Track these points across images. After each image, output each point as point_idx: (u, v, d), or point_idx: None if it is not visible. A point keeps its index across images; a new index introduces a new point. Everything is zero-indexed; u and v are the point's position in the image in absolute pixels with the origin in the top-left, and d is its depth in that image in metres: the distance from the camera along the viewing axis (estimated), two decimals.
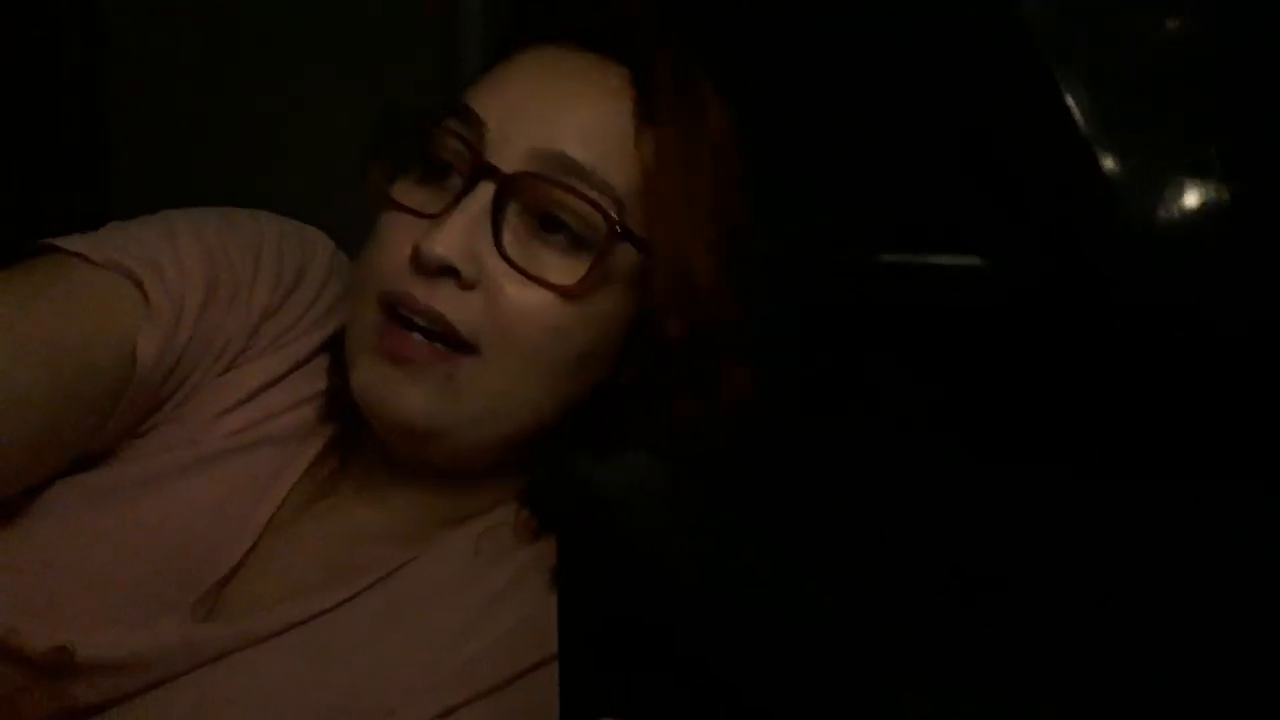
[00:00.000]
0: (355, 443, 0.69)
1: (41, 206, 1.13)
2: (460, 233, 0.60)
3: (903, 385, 0.41)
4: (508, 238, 0.61)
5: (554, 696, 0.56)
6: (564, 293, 0.61)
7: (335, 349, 0.69)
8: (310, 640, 0.61)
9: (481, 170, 0.61)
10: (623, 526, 0.37)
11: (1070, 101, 0.33)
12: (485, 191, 0.61)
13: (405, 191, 0.64)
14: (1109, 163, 0.33)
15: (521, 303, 0.60)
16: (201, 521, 0.63)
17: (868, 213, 0.44)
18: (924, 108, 0.39)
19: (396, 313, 0.61)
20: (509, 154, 0.61)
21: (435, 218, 0.61)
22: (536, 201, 0.62)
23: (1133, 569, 0.33)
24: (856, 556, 0.35)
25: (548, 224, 0.62)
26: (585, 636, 0.40)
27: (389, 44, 1.08)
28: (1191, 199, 0.32)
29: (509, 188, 0.61)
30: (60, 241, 0.62)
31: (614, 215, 0.61)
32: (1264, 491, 0.32)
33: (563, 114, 0.63)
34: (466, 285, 0.60)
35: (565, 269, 0.61)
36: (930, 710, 0.28)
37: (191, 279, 0.64)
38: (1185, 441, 0.33)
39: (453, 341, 0.60)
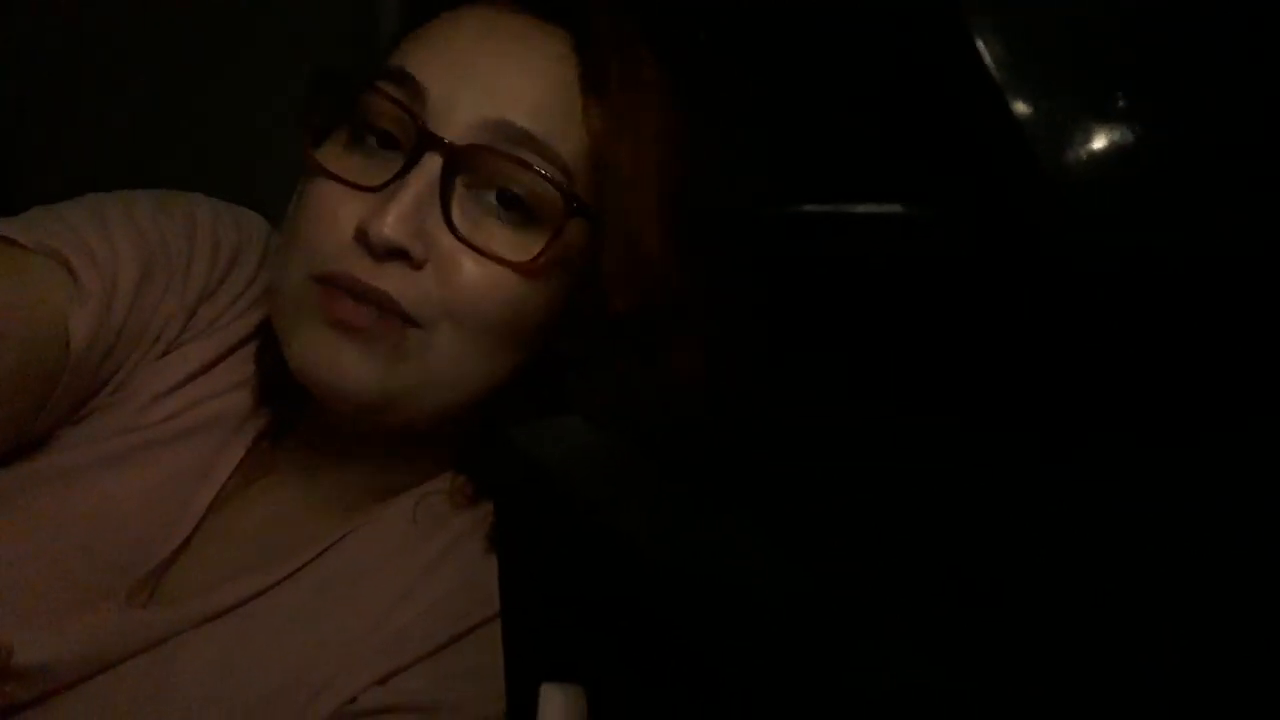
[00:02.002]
0: (292, 423, 0.68)
1: None
2: (409, 211, 0.57)
3: (831, 337, 0.41)
4: (456, 211, 0.59)
5: (494, 657, 0.57)
6: (519, 269, 0.59)
7: (268, 329, 0.67)
8: (249, 620, 0.61)
9: (427, 140, 0.58)
10: (557, 491, 0.37)
11: (982, 46, 0.33)
12: (432, 164, 0.58)
13: (336, 158, 0.61)
14: (1022, 107, 0.33)
15: (474, 279, 0.59)
16: (139, 508, 0.63)
17: (785, 164, 0.43)
18: (840, 57, 0.39)
19: (339, 288, 0.59)
20: (454, 121, 0.59)
21: (376, 191, 0.59)
22: (486, 175, 0.60)
23: (1068, 527, 0.33)
24: (798, 518, 0.35)
25: (499, 197, 0.60)
26: (526, 601, 0.40)
27: (303, 18, 1.04)
28: (1106, 142, 0.33)
29: (457, 160, 0.59)
30: None
31: (570, 190, 0.60)
32: (1185, 441, 0.33)
33: (510, 80, 0.60)
34: (416, 265, 0.58)
35: (515, 242, 0.60)
36: (881, 666, 0.28)
37: (124, 261, 0.62)
38: (1111, 393, 0.34)
39: (400, 316, 0.59)
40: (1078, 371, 0.33)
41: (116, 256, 0.62)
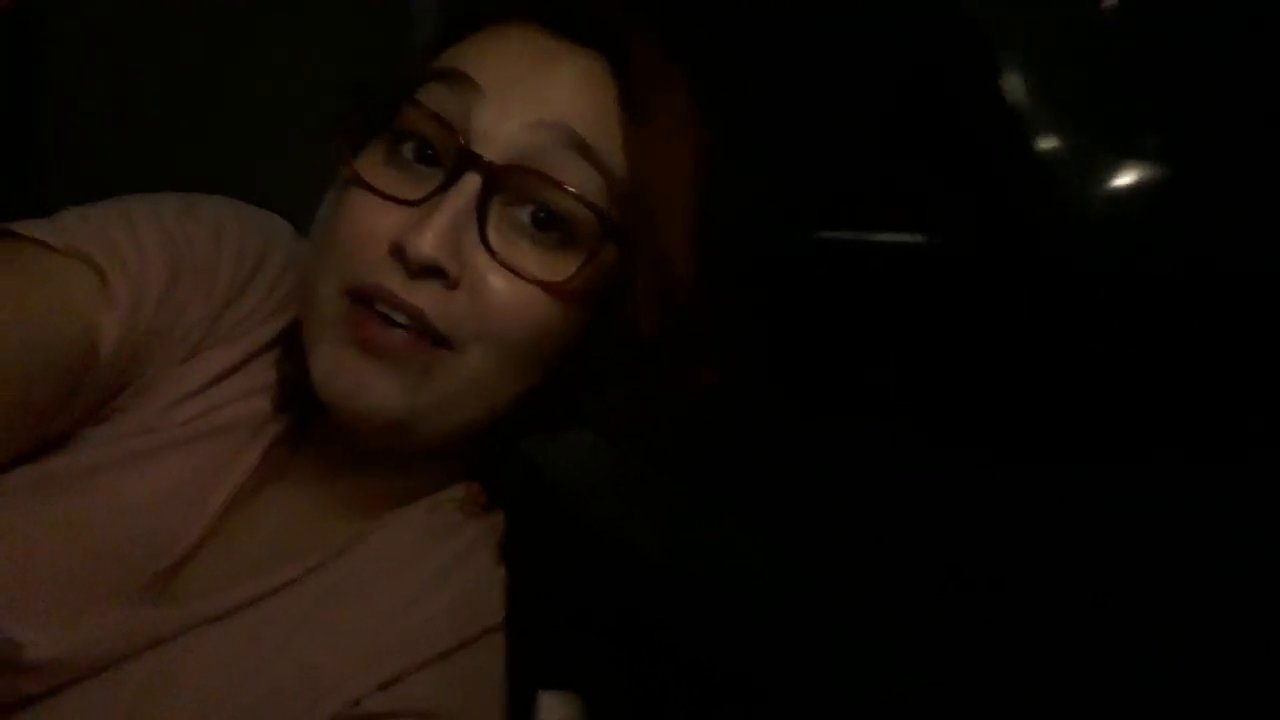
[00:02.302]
0: (309, 429, 0.68)
1: None
2: (447, 229, 0.57)
3: (846, 361, 0.41)
4: (491, 231, 0.59)
5: (500, 665, 0.56)
6: (552, 290, 0.59)
7: (291, 338, 0.67)
8: (259, 620, 0.60)
9: (467, 159, 0.58)
10: (565, 503, 0.37)
11: (1008, 80, 0.34)
12: (471, 183, 0.58)
13: (373, 170, 0.61)
14: (1046, 142, 0.33)
15: (508, 299, 0.58)
16: (154, 509, 0.63)
17: (807, 191, 0.44)
18: (865, 87, 0.40)
19: (372, 304, 0.58)
20: (503, 127, 0.59)
21: (413, 205, 0.58)
22: (524, 195, 0.59)
23: (1080, 540, 0.33)
24: (804, 529, 0.35)
25: (534, 219, 0.60)
26: (530, 609, 0.40)
27: (340, 18, 1.05)
28: (1127, 177, 0.33)
29: (496, 180, 0.58)
30: (17, 227, 0.61)
31: (605, 211, 0.59)
32: (1196, 459, 0.33)
33: (562, 90, 0.60)
34: (451, 284, 0.58)
35: (549, 263, 0.59)
36: (881, 669, 0.28)
37: (152, 265, 0.62)
38: (1125, 416, 0.34)
39: (431, 336, 0.58)
40: (1082, 377, 0.34)
41: (145, 260, 0.62)
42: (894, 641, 0.30)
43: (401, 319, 0.58)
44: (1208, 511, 0.31)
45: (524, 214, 0.60)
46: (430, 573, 0.62)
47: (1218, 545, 0.30)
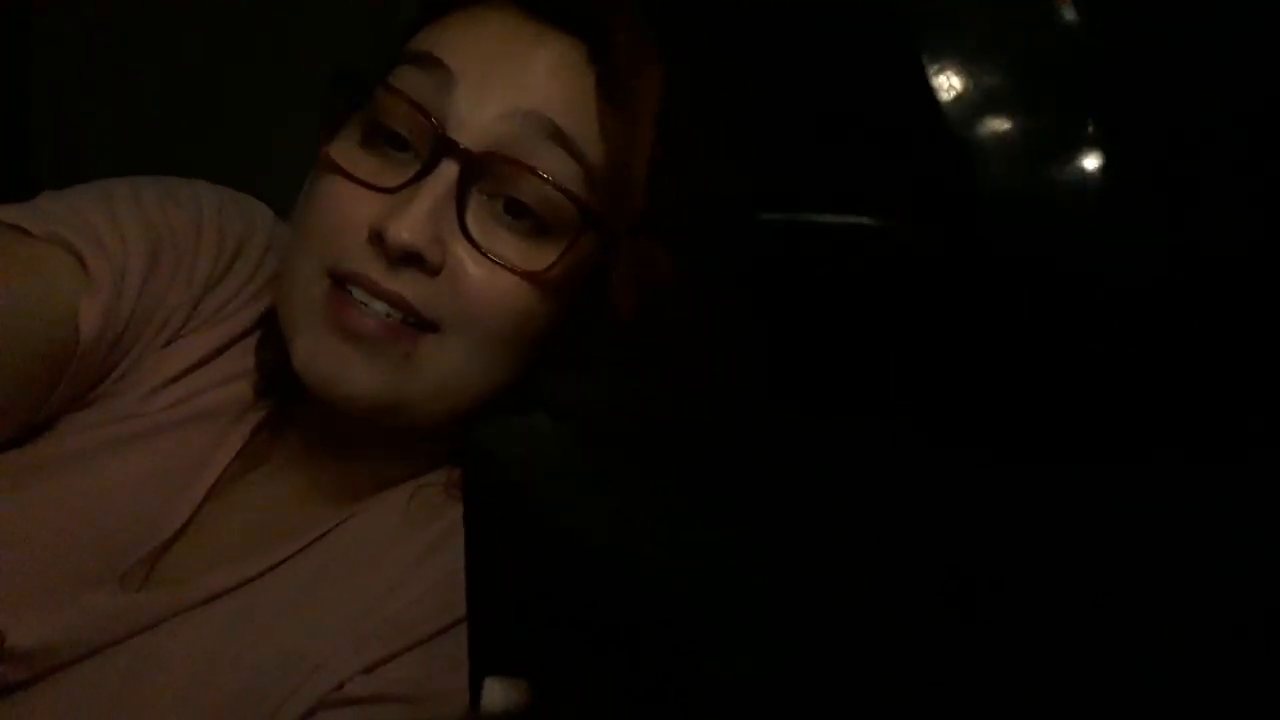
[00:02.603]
0: (291, 415, 0.69)
1: None
2: (425, 216, 0.57)
3: (789, 343, 0.41)
4: (470, 219, 0.59)
5: None
6: (532, 279, 0.59)
7: (271, 321, 0.68)
8: (242, 604, 0.61)
9: (445, 146, 0.58)
10: (517, 487, 0.37)
11: (944, 68, 0.33)
12: (449, 170, 0.58)
13: (350, 155, 0.61)
14: (981, 127, 0.33)
15: (487, 286, 0.59)
16: (135, 496, 0.63)
17: (750, 172, 0.44)
18: (804, 65, 0.39)
19: (350, 291, 0.59)
20: (479, 115, 0.58)
21: (391, 193, 0.59)
22: (501, 182, 0.59)
23: (1034, 538, 0.33)
24: (758, 516, 0.35)
25: (510, 207, 0.60)
26: (487, 596, 0.40)
27: (322, 21, 1.05)
28: (1066, 163, 0.32)
29: (473, 168, 0.59)
30: None
31: (583, 198, 0.59)
32: (1192, 458, 0.33)
33: (538, 77, 0.60)
34: (431, 271, 0.58)
35: (527, 250, 0.60)
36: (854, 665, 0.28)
37: (132, 249, 0.63)
38: (1114, 414, 0.33)
39: (413, 320, 0.59)
40: (1057, 377, 0.33)
41: (125, 245, 0.63)
42: (844, 633, 0.30)
43: (381, 307, 0.58)
44: (1206, 512, 0.31)
45: (502, 203, 0.60)
46: (413, 556, 0.63)
47: (1217, 545, 0.30)
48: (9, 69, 1.13)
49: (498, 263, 0.59)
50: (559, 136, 0.59)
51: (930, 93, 0.33)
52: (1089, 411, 0.33)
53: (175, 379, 0.67)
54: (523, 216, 0.60)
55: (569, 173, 0.59)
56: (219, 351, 0.68)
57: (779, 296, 0.38)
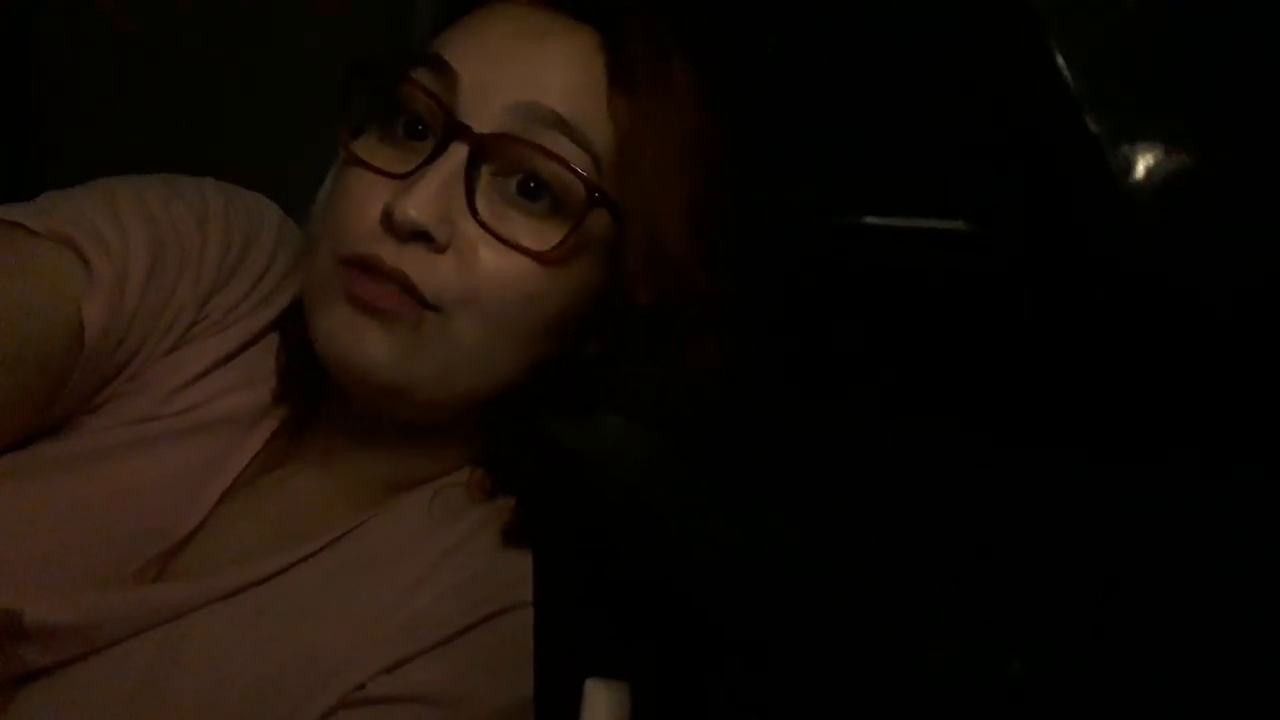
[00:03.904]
0: (309, 419, 0.69)
1: None
2: (433, 195, 0.58)
3: (887, 350, 0.41)
4: (480, 200, 0.60)
5: (506, 649, 0.58)
6: (539, 258, 0.60)
7: (288, 324, 0.68)
8: (263, 601, 0.61)
9: (455, 129, 0.59)
10: (601, 488, 0.37)
11: (1060, 61, 0.33)
12: (458, 152, 0.59)
13: (369, 149, 0.63)
14: (1097, 124, 0.33)
15: (494, 267, 0.59)
16: (152, 496, 0.63)
17: (850, 176, 0.44)
18: (908, 67, 0.39)
19: (363, 270, 0.60)
20: (485, 109, 0.60)
21: (404, 178, 0.60)
22: (511, 163, 0.60)
23: (1121, 548, 0.33)
24: (842, 519, 0.35)
25: (522, 187, 0.61)
26: (562, 595, 0.40)
27: (339, 17, 1.05)
28: (1181, 162, 0.32)
29: (483, 148, 0.60)
30: None
31: (592, 179, 0.60)
32: (1239, 468, 0.33)
33: (542, 69, 0.61)
34: (438, 249, 0.59)
35: (538, 232, 0.60)
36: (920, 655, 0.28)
37: (136, 247, 0.62)
38: (1172, 416, 0.33)
39: (417, 300, 0.60)
40: (1141, 381, 0.33)
41: (128, 243, 0.62)
42: (926, 621, 0.29)
43: (389, 285, 0.59)
44: (1237, 516, 0.31)
45: (512, 183, 0.61)
46: (434, 556, 0.62)
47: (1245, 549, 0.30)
48: (13, 70, 1.12)
49: (505, 241, 0.59)
50: (561, 124, 0.60)
51: (1032, 97, 0.33)
52: (1191, 415, 0.33)
53: (190, 382, 0.66)
54: (535, 197, 0.60)
55: (575, 155, 0.60)
56: (233, 354, 0.68)
57: (860, 301, 0.38)
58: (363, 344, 0.60)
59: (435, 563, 0.62)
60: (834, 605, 0.29)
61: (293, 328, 0.67)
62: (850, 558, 0.33)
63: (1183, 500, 0.33)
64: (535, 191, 0.60)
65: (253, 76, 1.04)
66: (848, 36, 0.42)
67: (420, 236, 0.59)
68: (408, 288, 0.59)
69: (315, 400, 0.67)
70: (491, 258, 0.59)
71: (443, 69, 0.61)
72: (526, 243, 0.60)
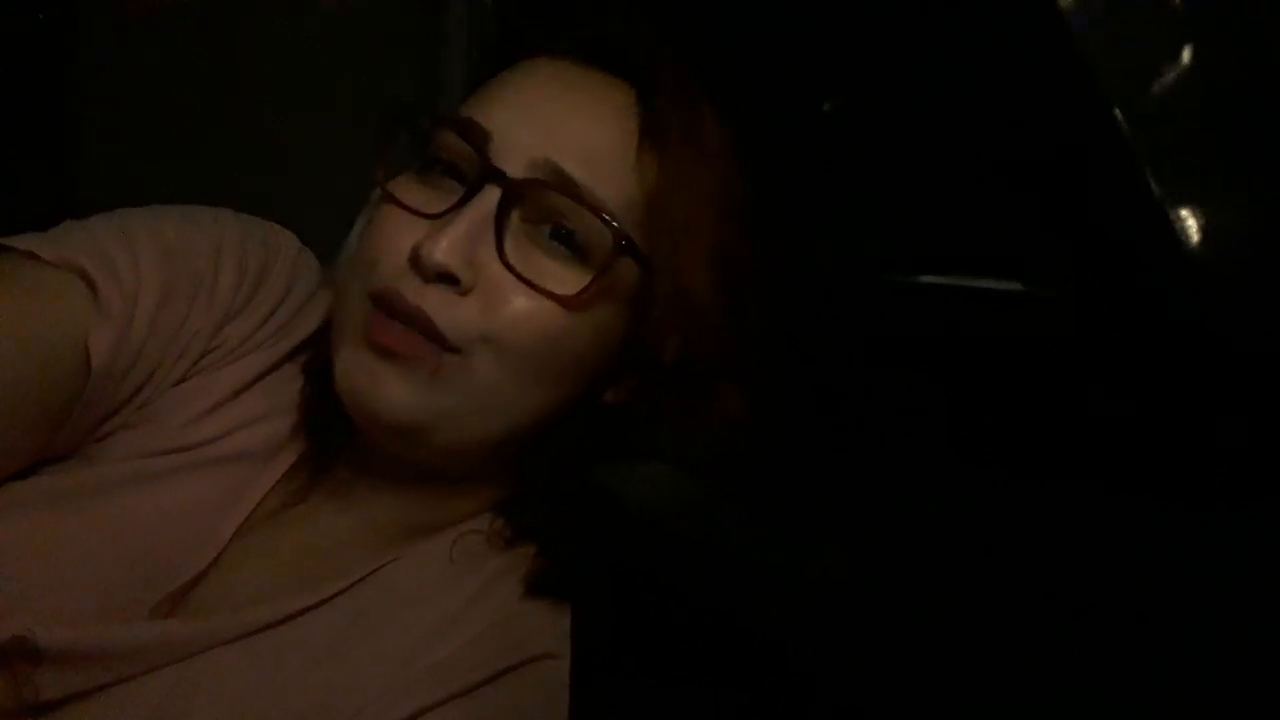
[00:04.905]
0: (328, 454, 0.68)
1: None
2: (462, 238, 0.59)
3: (940, 406, 0.41)
4: (509, 244, 0.60)
5: (526, 701, 0.57)
6: (564, 302, 0.60)
7: (307, 357, 0.68)
8: (278, 644, 0.59)
9: (488, 174, 0.60)
10: (657, 536, 0.36)
11: (1122, 121, 0.33)
12: (490, 195, 0.60)
13: (404, 188, 0.63)
14: (1159, 185, 0.33)
15: (519, 309, 0.60)
16: (166, 529, 0.62)
17: (906, 234, 0.44)
18: (964, 126, 0.40)
19: (386, 308, 0.60)
20: (513, 161, 0.61)
21: (436, 218, 0.60)
22: (541, 210, 0.61)
23: (1163, 591, 0.33)
24: (887, 565, 0.35)
25: (553, 233, 0.61)
26: (606, 646, 0.39)
27: (372, 58, 1.06)
28: (1245, 223, 0.33)
29: (515, 194, 0.60)
30: (9, 240, 0.61)
31: (620, 229, 0.61)
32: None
33: (564, 127, 0.62)
34: (462, 291, 0.59)
35: (564, 277, 0.60)
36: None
37: (147, 276, 0.62)
38: (1232, 467, 0.33)
39: (438, 342, 0.59)
40: (1211, 440, 0.33)
41: (140, 272, 0.62)
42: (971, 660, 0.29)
43: (408, 329, 0.59)
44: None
45: (544, 231, 0.61)
46: (456, 604, 0.61)
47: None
48: (49, 107, 1.13)
49: (530, 284, 0.59)
50: (571, 184, 0.60)
51: (1092, 160, 0.34)
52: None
53: (206, 414, 0.65)
54: (565, 243, 0.61)
55: (604, 204, 0.61)
56: (249, 385, 0.67)
57: (930, 356, 0.38)
58: (379, 386, 0.59)
59: (457, 612, 0.61)
60: (893, 646, 0.29)
61: (313, 360, 0.67)
62: (906, 597, 0.32)
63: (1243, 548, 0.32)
64: (565, 237, 0.61)
65: (290, 114, 1.05)
66: (905, 95, 0.43)
67: (445, 278, 0.59)
68: (426, 328, 0.59)
69: (335, 436, 0.66)
70: (516, 299, 0.60)
71: (471, 127, 0.62)
72: (552, 286, 0.60)
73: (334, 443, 0.67)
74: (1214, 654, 0.30)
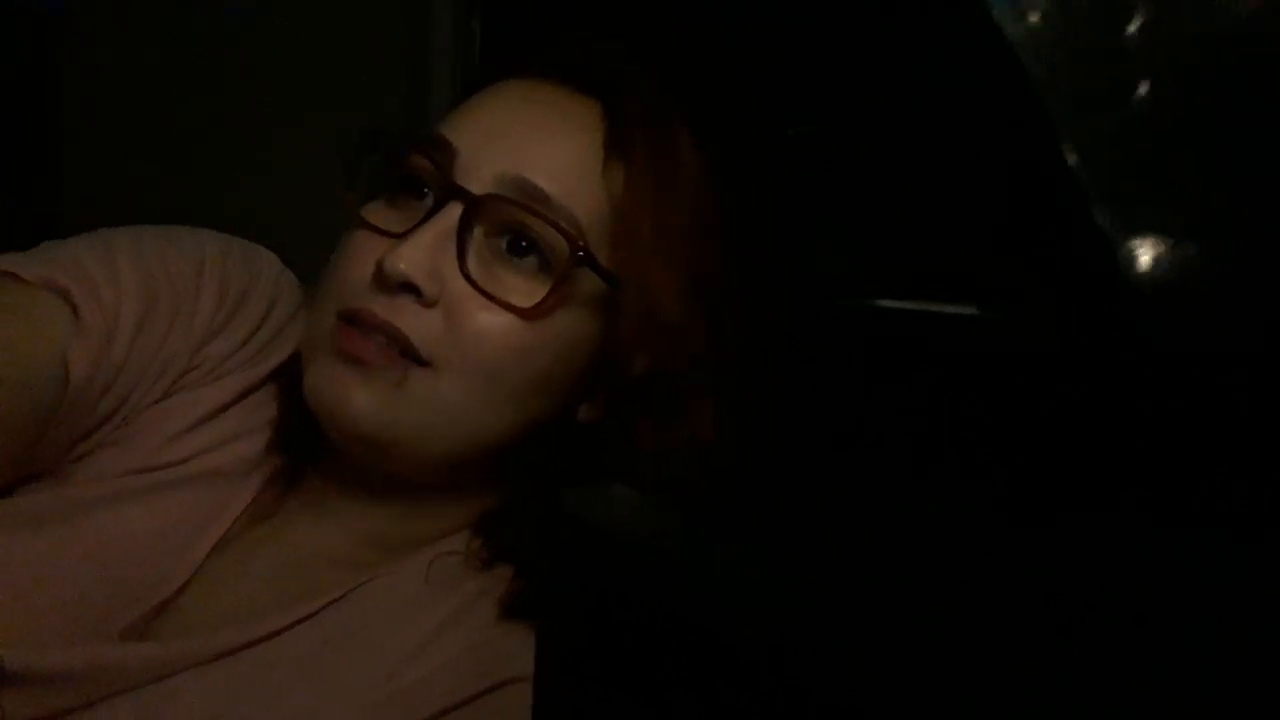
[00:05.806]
0: (301, 473, 0.68)
1: None
2: (424, 250, 0.60)
3: (899, 426, 0.42)
4: (472, 259, 0.61)
5: None
6: (522, 314, 0.61)
7: (283, 378, 0.68)
8: (251, 666, 0.59)
9: (451, 191, 0.61)
10: (618, 560, 0.37)
11: (1071, 156, 0.34)
12: (453, 212, 0.61)
13: (374, 212, 0.65)
14: (1105, 216, 0.34)
15: (480, 323, 0.61)
16: (140, 549, 0.62)
17: (865, 258, 0.45)
18: (922, 154, 0.41)
19: (356, 324, 0.61)
20: (477, 178, 0.62)
21: (400, 236, 0.61)
22: (503, 224, 0.62)
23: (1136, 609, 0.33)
24: (853, 586, 0.35)
25: (513, 247, 0.62)
26: (568, 671, 0.39)
27: (357, 83, 1.07)
28: (1189, 252, 0.33)
29: (476, 209, 0.61)
30: None
31: (577, 240, 0.61)
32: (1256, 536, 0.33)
33: (531, 143, 0.63)
34: (427, 303, 0.60)
35: (525, 290, 0.61)
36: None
37: (127, 295, 0.62)
38: (1183, 487, 0.34)
39: (408, 354, 0.60)
40: (1174, 456, 0.34)
41: (119, 291, 0.62)
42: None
43: (379, 339, 0.60)
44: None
45: (502, 242, 0.62)
46: (431, 627, 0.62)
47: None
48: (33, 121, 1.13)
49: (491, 297, 0.60)
50: (542, 196, 0.62)
51: (1041, 189, 0.34)
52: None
53: (183, 433, 0.65)
54: (525, 254, 0.62)
55: (562, 216, 0.62)
56: (227, 406, 0.67)
57: (886, 377, 0.39)
58: (346, 395, 0.60)
59: (432, 633, 0.62)
60: (864, 670, 0.29)
61: (288, 380, 0.67)
62: (875, 622, 0.33)
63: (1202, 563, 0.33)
64: (524, 250, 0.62)
65: (275, 136, 1.06)
66: (866, 125, 0.44)
67: (409, 289, 0.60)
68: (395, 338, 0.60)
69: (309, 454, 0.67)
70: (477, 313, 0.61)
71: (439, 144, 0.63)
72: (513, 299, 0.61)
73: (308, 458, 0.67)
74: (1214, 656, 0.31)
